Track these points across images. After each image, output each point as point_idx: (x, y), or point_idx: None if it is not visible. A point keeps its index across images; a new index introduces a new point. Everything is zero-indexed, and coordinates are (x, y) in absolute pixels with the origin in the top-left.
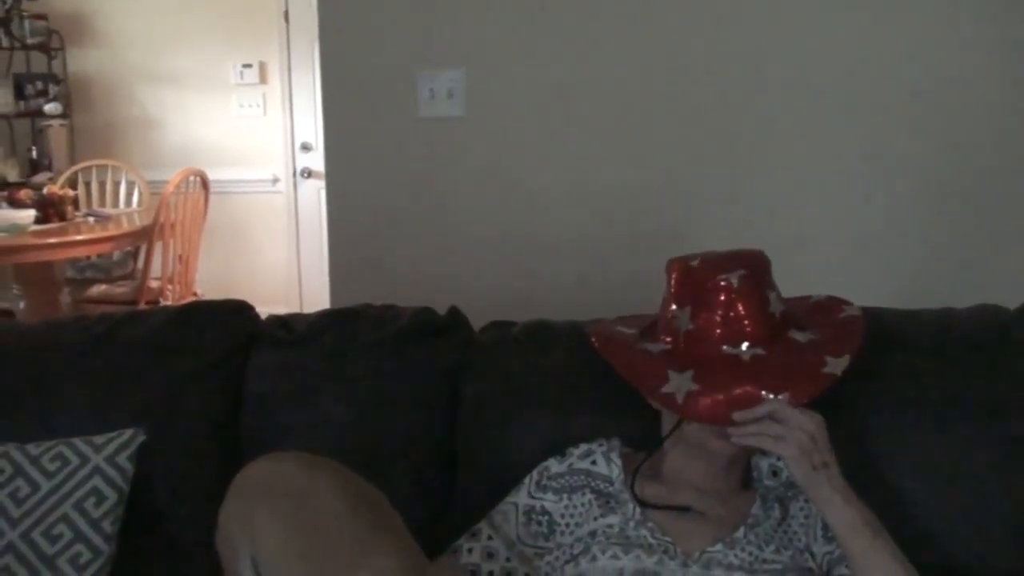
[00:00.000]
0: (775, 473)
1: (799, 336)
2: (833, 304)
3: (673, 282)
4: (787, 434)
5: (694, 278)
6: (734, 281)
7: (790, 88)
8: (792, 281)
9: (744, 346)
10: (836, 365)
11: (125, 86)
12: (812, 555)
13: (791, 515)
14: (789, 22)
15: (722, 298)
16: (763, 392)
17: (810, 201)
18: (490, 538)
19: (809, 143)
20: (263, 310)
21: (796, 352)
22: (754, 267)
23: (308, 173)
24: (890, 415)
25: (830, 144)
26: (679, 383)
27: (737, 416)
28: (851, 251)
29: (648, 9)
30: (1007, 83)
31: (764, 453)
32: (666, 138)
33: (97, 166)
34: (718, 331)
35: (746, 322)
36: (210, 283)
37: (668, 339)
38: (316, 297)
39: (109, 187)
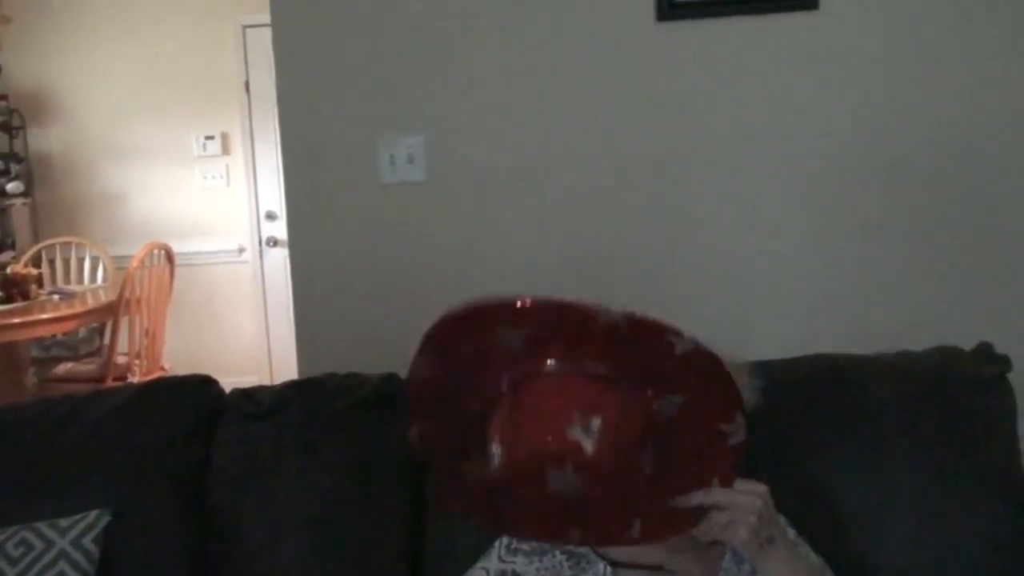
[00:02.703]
0: None
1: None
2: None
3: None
4: (735, 518)
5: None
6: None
7: (735, 141)
8: (744, 329)
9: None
10: (736, 432)
11: (87, 162)
12: None
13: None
14: (731, 82)
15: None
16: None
17: (762, 248)
18: None
19: (758, 195)
20: (234, 380)
21: (693, 442)
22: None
23: (274, 242)
24: (847, 458)
25: (779, 194)
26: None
27: (674, 503)
28: (807, 299)
29: (601, 74)
30: (953, 126)
31: None
32: (622, 199)
33: (61, 243)
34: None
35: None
36: (179, 356)
37: None
38: (287, 365)
39: (73, 264)
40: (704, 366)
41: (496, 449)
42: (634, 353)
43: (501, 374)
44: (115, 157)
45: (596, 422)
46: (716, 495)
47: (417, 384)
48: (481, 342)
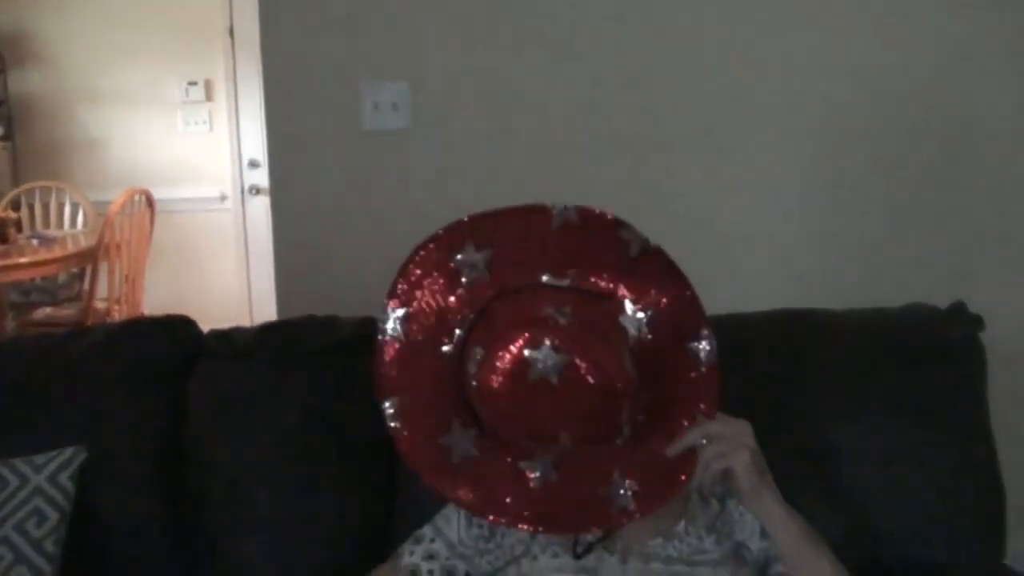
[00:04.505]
0: None
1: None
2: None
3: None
4: (732, 445)
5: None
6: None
7: (724, 101)
8: (725, 285)
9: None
10: (708, 351)
11: (68, 106)
12: (749, 549)
13: (727, 510)
14: (716, 40)
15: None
16: (683, 423)
17: (743, 205)
18: (432, 541)
19: (738, 150)
20: (213, 328)
21: (681, 375)
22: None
23: (256, 190)
24: (818, 408)
25: (760, 150)
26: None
27: (669, 451)
28: (784, 253)
29: (589, 23)
30: (935, 90)
31: None
32: (608, 151)
33: (41, 187)
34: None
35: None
36: (159, 303)
37: None
38: (267, 314)
39: (53, 208)
40: (658, 267)
41: (479, 352)
42: (589, 244)
43: (467, 300)
44: (96, 101)
45: (567, 309)
46: (707, 427)
47: (380, 365)
48: (439, 285)
